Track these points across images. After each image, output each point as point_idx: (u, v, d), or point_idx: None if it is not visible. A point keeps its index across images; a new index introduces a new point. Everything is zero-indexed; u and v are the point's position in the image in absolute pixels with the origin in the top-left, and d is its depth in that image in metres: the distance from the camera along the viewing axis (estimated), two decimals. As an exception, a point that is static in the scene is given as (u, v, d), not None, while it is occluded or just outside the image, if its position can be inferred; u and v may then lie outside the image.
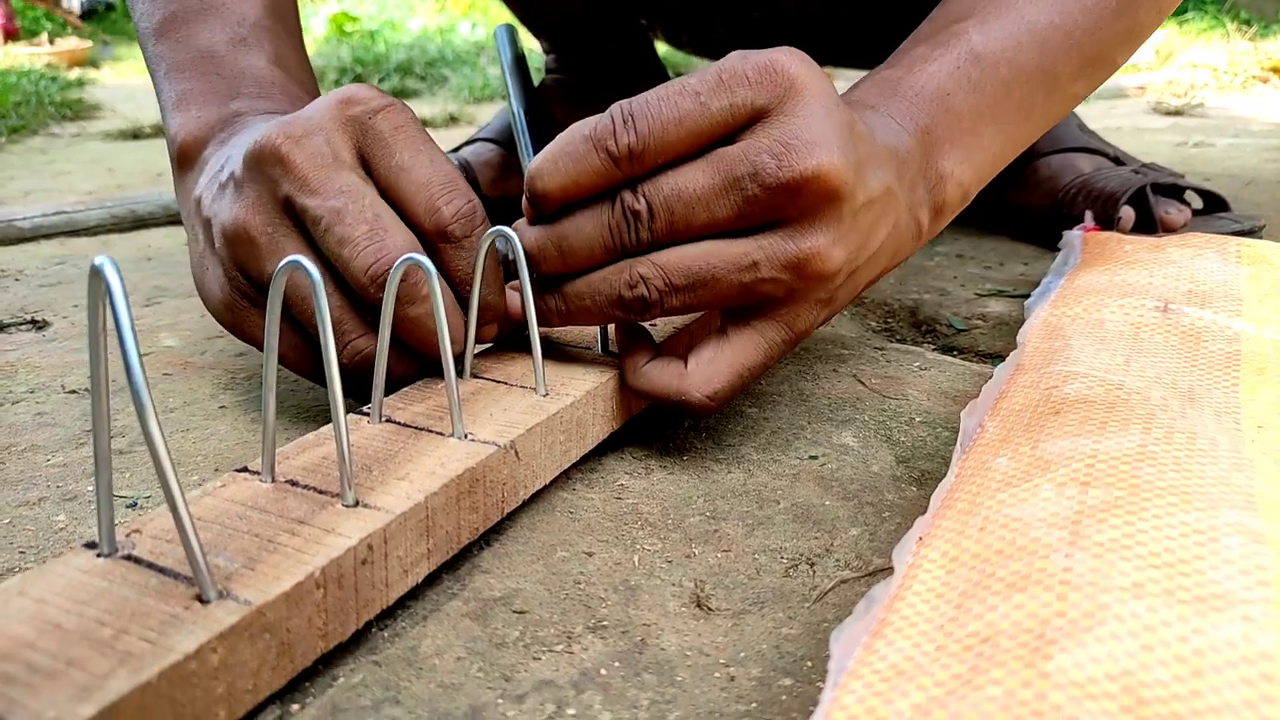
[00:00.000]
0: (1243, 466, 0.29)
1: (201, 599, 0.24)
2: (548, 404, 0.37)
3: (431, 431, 0.34)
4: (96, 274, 0.23)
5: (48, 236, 0.83)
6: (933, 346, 0.55)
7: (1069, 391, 0.36)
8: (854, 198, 0.35)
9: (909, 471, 0.39)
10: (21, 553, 0.32)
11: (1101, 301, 0.49)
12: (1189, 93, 2.09)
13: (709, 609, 0.30)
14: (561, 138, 0.36)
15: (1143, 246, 0.57)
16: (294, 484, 0.30)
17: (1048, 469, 0.30)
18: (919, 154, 0.41)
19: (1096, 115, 1.88)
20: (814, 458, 0.40)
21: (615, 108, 0.35)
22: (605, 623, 0.29)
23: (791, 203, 0.34)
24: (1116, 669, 0.20)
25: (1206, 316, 0.47)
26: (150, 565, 0.26)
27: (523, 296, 0.37)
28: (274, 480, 0.30)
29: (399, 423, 0.35)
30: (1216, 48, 2.92)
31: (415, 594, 0.30)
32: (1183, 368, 0.41)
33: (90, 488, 0.37)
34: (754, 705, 0.26)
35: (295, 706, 0.25)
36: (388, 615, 0.29)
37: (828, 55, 0.97)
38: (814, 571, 0.32)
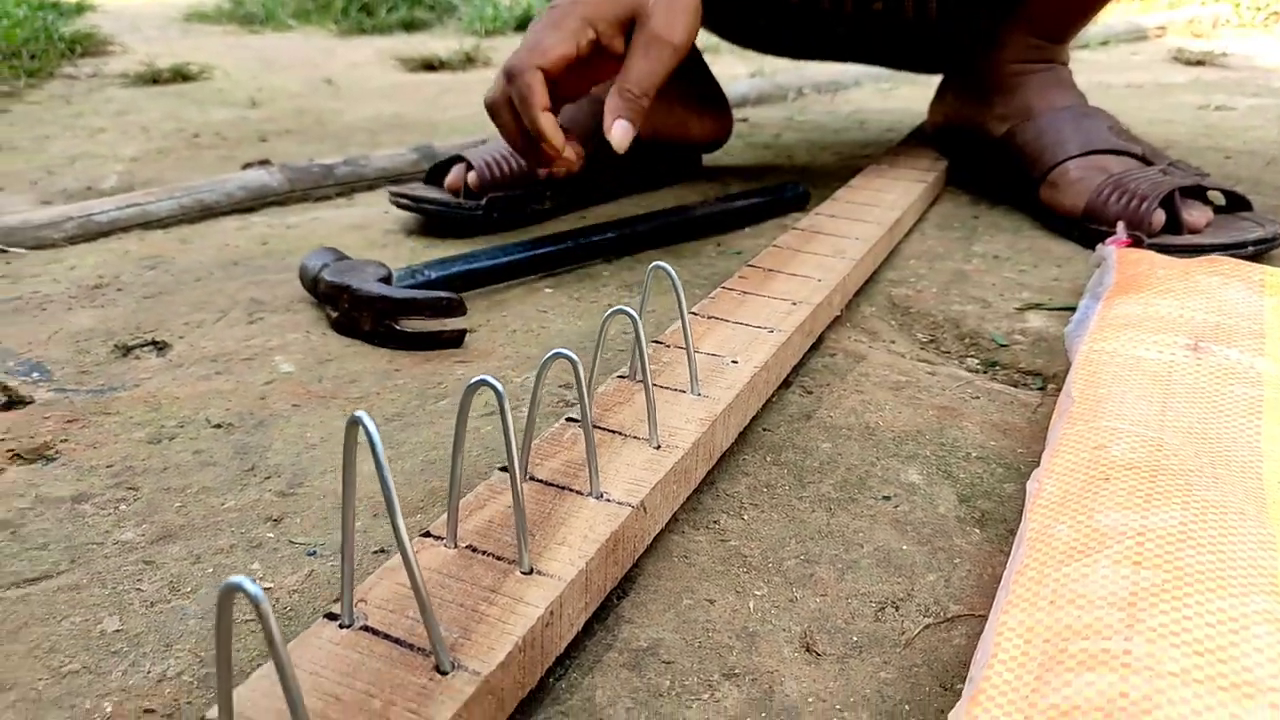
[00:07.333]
0: (1266, 544, 0.35)
1: (440, 670, 0.30)
2: (663, 458, 0.43)
3: (571, 490, 0.40)
4: (355, 423, 0.28)
5: (124, 230, 0.87)
6: (978, 361, 0.61)
7: (1116, 454, 0.42)
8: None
9: (970, 512, 0.45)
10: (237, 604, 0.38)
11: (1137, 337, 0.54)
12: (1211, 32, 2.09)
13: (817, 653, 0.36)
14: None
15: (1174, 273, 0.62)
16: (474, 550, 0.36)
17: (1103, 543, 0.36)
18: None
19: (1116, 64, 1.88)
20: (887, 498, 0.46)
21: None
22: (736, 670, 0.35)
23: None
24: (1172, 750, 0.26)
25: (1233, 356, 0.52)
26: (386, 636, 0.32)
27: (643, 369, 0.43)
28: (456, 547, 0.36)
29: (542, 480, 0.41)
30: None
31: (576, 643, 0.37)
32: (1211, 415, 0.47)
33: (270, 534, 0.43)
34: (869, 748, 0.32)
35: (505, 751, 0.32)
36: (558, 664, 0.36)
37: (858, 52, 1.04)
38: (899, 615, 0.39)
